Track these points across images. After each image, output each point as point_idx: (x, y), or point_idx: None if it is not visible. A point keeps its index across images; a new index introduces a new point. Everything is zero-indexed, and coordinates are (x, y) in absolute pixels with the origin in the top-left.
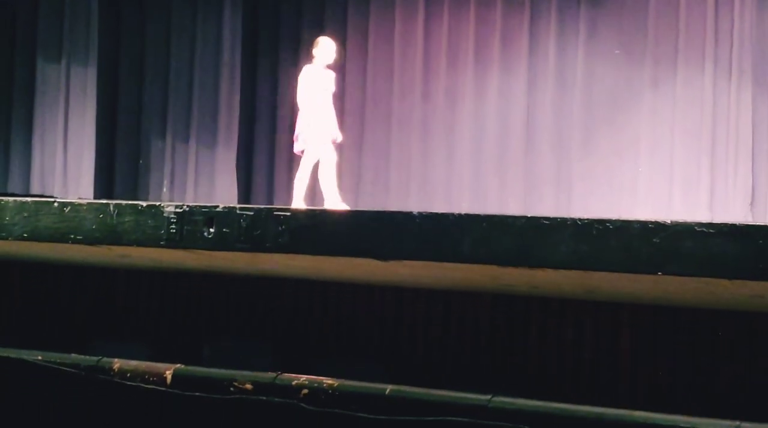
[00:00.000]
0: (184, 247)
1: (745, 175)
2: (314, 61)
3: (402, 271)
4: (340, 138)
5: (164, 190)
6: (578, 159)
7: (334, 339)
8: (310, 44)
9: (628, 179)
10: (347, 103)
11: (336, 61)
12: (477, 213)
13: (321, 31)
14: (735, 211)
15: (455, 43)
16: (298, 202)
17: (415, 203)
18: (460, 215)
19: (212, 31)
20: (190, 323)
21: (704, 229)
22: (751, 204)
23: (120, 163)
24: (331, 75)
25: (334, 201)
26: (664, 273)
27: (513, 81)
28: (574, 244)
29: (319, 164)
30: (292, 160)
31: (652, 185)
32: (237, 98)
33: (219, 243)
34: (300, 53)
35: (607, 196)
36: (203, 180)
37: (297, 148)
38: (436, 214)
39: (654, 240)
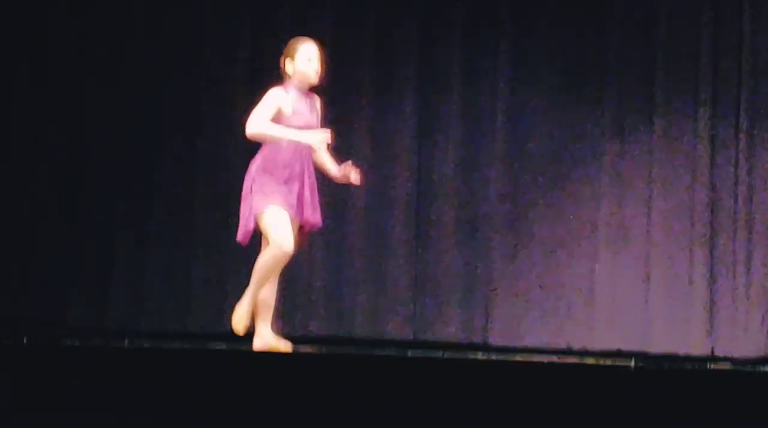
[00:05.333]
0: None
1: (761, 282)
2: (288, 80)
3: None
4: (319, 222)
5: None
6: (498, 257)
7: None
8: None
9: (578, 286)
10: None
11: (322, 78)
12: None
13: None
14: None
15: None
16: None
17: None
18: None
19: None
20: None
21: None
22: None
23: None
24: (313, 103)
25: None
26: None
27: (391, 128)
28: None
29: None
30: None
31: (617, 294)
32: None
33: None
34: None
35: (544, 316)
36: None
37: (245, 229)
38: None
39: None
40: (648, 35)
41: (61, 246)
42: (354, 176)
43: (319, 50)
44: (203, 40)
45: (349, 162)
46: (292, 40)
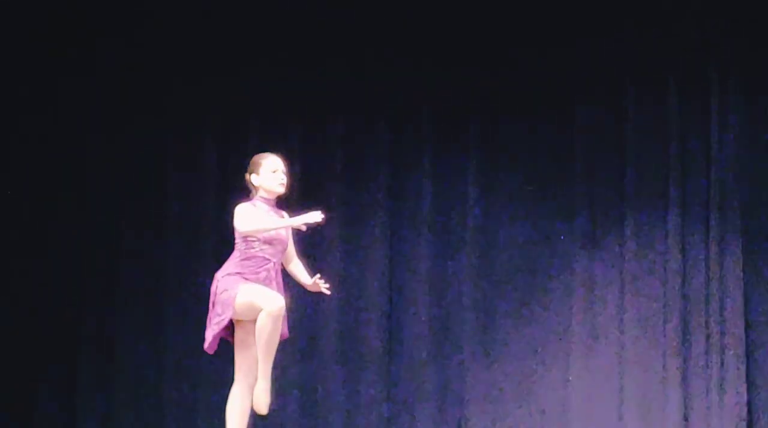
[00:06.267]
0: None
1: (735, 392)
2: (254, 194)
3: None
4: (286, 333)
5: None
6: (470, 369)
7: None
8: None
9: (551, 395)
10: None
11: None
12: None
13: None
14: None
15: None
16: None
17: None
18: None
19: None
20: None
21: None
22: None
23: None
24: (281, 216)
25: None
26: None
27: (362, 241)
28: None
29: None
30: None
31: (591, 404)
32: None
33: None
34: None
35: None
36: None
37: (217, 332)
38: None
39: None
40: (617, 143)
41: (27, 362)
42: (325, 288)
43: (284, 162)
44: (171, 150)
45: (318, 275)
46: (255, 157)
